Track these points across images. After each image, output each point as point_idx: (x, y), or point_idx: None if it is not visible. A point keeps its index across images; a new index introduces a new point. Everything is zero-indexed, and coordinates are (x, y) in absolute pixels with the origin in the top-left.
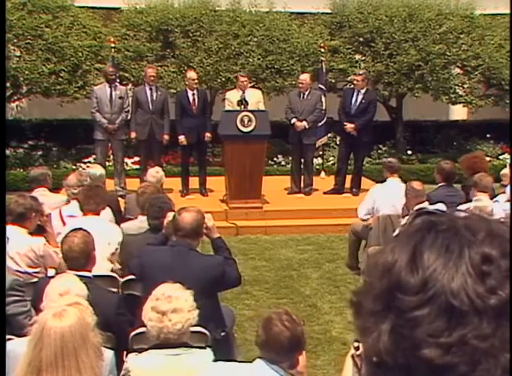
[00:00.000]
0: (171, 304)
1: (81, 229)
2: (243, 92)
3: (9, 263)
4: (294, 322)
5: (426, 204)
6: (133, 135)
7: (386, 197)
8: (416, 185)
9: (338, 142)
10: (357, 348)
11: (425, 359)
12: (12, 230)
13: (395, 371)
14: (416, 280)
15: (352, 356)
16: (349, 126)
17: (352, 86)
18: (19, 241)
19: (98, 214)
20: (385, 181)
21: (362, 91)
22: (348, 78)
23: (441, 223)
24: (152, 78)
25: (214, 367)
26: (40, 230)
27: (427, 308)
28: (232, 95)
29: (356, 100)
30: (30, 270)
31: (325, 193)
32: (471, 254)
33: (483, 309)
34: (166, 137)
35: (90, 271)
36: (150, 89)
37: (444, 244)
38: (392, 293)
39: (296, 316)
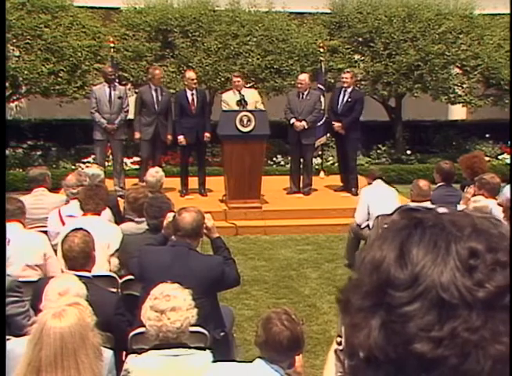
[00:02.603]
0: (170, 303)
1: (81, 229)
2: (240, 92)
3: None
4: (294, 321)
5: (428, 204)
6: (137, 135)
7: (378, 199)
8: (422, 184)
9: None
10: (339, 343)
11: (417, 353)
12: (11, 227)
13: (385, 366)
14: (405, 276)
15: (335, 351)
16: (336, 125)
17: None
18: (20, 238)
19: (98, 214)
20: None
21: (349, 90)
22: None
23: (428, 220)
24: (162, 80)
25: (215, 369)
26: None
27: (417, 302)
28: (229, 97)
29: (343, 99)
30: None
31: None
32: (458, 250)
33: (472, 302)
34: (169, 137)
35: (90, 271)
36: (155, 90)
37: (432, 240)
38: (383, 289)
39: (295, 315)
